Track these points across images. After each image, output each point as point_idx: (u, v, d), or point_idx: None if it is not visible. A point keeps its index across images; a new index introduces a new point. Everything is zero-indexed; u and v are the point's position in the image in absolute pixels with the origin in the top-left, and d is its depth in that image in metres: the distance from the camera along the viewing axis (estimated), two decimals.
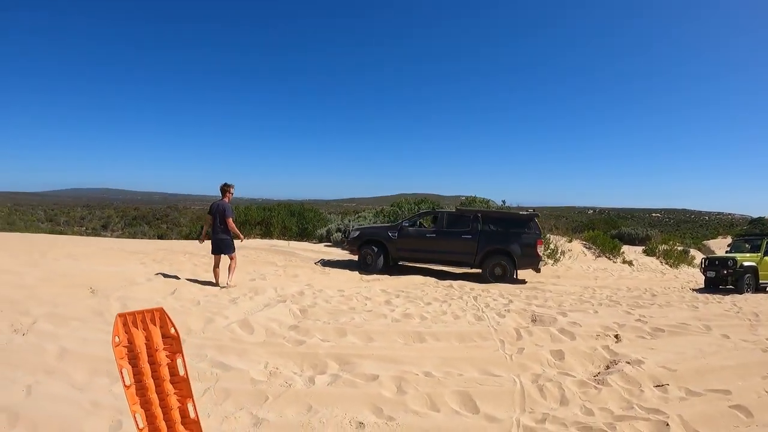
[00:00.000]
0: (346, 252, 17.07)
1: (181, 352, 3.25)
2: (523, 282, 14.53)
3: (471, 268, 14.45)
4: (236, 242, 10.22)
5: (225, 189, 10.10)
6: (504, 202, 25.11)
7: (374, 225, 16.39)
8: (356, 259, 15.37)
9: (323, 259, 16.41)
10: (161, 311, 3.26)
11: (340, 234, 22.43)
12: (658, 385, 5.42)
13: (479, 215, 14.69)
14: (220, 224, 9.90)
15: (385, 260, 14.71)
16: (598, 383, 5.33)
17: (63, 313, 6.75)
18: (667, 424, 4.33)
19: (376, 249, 14.62)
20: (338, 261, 16.18)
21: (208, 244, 10.26)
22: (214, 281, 9.96)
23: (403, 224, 14.95)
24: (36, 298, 7.38)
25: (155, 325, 3.23)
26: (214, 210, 9.96)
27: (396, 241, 14.63)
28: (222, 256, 10.00)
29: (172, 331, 3.25)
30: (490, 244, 14.22)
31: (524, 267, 14.66)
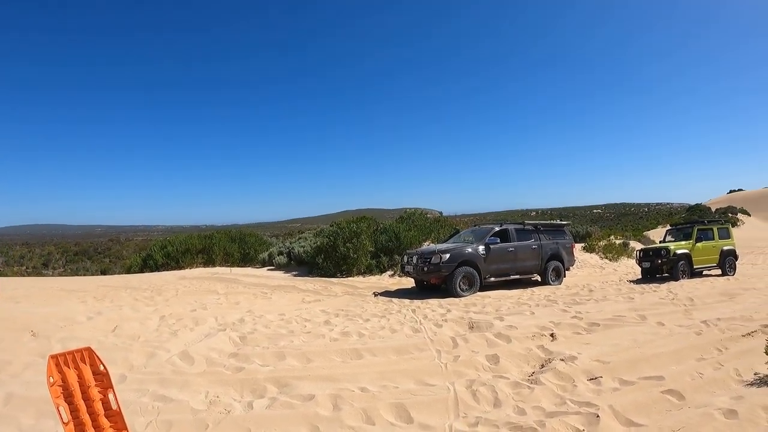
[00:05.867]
0: (290, 275, 16.91)
1: (111, 387, 3.42)
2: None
3: (537, 275, 16.06)
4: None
5: None
6: (441, 213, 25.31)
7: (455, 246, 14.61)
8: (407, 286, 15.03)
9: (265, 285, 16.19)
10: (89, 350, 3.40)
11: (284, 257, 22.24)
12: (591, 378, 5.53)
13: (538, 226, 16.35)
14: None
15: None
16: (532, 383, 5.41)
17: (6, 358, 6.56)
18: (598, 416, 4.40)
19: (471, 270, 13.83)
20: (278, 285, 16.02)
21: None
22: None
23: (488, 242, 14.55)
24: None
25: (85, 363, 3.41)
26: None
27: (487, 258, 14.30)
28: None
29: (102, 368, 3.43)
30: (548, 251, 15.88)
31: (567, 269, 16.73)
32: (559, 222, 17.32)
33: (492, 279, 14.45)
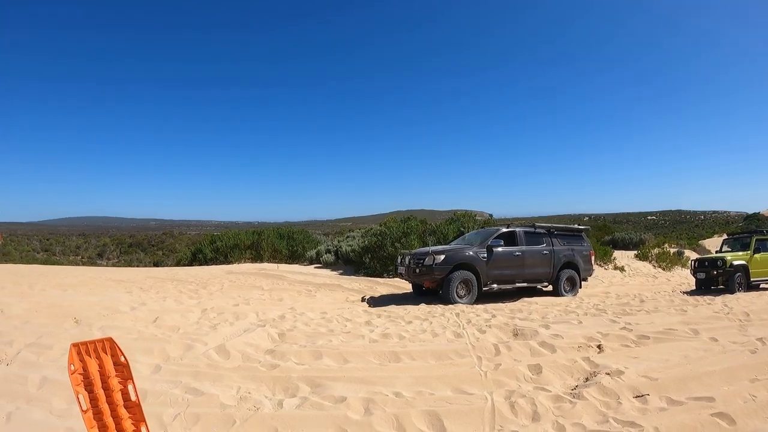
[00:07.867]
0: (336, 273, 16.91)
1: (131, 378, 3.40)
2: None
3: (548, 284, 14.74)
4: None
5: None
6: (491, 215, 25.06)
7: (453, 247, 13.69)
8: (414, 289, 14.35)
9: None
10: (111, 341, 3.43)
11: (331, 255, 22.31)
12: (638, 396, 5.29)
13: (552, 230, 15.03)
14: None
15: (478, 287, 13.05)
16: (574, 397, 5.20)
17: (46, 343, 6.74)
18: None
19: (470, 275, 12.82)
20: (323, 283, 16.03)
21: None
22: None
23: (490, 244, 13.35)
24: (21, 329, 7.39)
25: (106, 353, 3.39)
26: None
27: (488, 263, 13.19)
28: None
29: (122, 359, 3.41)
30: (562, 258, 14.60)
31: (584, 279, 15.39)
32: (575, 226, 16.15)
33: (495, 286, 13.37)
